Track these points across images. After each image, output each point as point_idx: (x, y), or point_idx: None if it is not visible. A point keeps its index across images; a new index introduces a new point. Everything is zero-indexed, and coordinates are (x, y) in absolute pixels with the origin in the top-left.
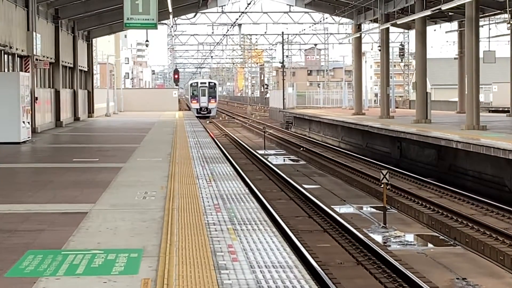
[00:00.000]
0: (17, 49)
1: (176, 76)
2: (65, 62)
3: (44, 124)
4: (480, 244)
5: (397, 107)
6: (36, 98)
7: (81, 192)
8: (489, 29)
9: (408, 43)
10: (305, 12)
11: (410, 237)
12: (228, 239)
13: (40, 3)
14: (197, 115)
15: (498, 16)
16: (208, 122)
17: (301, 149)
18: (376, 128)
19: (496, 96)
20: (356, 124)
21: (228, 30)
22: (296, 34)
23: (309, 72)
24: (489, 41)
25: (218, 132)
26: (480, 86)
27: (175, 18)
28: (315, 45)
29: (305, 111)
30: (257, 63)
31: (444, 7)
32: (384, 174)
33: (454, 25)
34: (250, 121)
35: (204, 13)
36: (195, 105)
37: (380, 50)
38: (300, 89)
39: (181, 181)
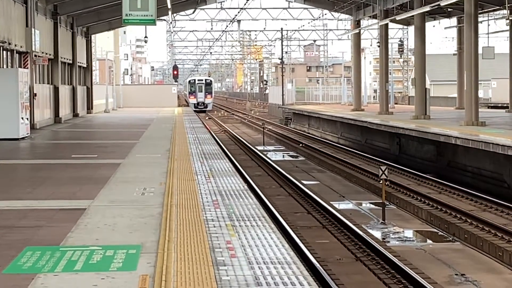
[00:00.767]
0: (16, 45)
1: (175, 72)
2: (64, 58)
3: (43, 120)
4: (479, 240)
5: (396, 103)
6: (35, 94)
7: (80, 188)
8: (488, 25)
9: (407, 39)
10: (304, 8)
11: (409, 233)
12: (227, 235)
13: None
14: (194, 109)
15: (497, 12)
16: (207, 118)
17: (300, 145)
18: (375, 124)
19: (495, 92)
20: (355, 120)
21: (227, 26)
22: (295, 30)
23: (308, 68)
24: (488, 37)
25: (217, 128)
26: (479, 82)
27: (174, 14)
28: (314, 41)
29: (304, 107)
30: (256, 59)
31: (443, 3)
32: (383, 170)
33: (453, 21)
34: (249, 117)
35: (203, 9)
36: (192, 100)
37: (379, 46)
38: (299, 85)
39: (180, 177)
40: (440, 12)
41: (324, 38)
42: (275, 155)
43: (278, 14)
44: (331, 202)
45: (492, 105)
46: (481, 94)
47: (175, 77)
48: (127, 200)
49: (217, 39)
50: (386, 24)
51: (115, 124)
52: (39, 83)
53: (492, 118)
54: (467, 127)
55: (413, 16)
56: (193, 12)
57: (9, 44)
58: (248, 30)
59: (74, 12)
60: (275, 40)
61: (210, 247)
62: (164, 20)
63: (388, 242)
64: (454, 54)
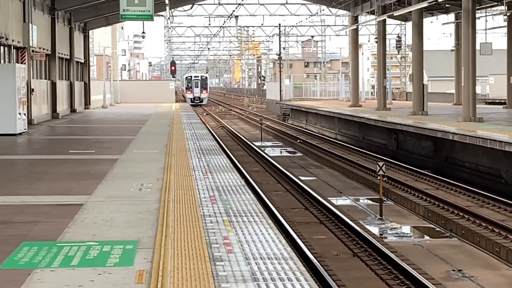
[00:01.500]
0: (13, 40)
1: (173, 68)
2: (62, 54)
3: (40, 116)
4: (476, 236)
5: (394, 99)
6: (33, 90)
7: (77, 183)
8: (486, 21)
9: (405, 35)
10: (302, 4)
11: (406, 229)
12: (224, 231)
13: None
14: (191, 103)
15: (495, 8)
16: (205, 114)
17: (298, 141)
18: (373, 120)
19: (492, 88)
20: (353, 116)
21: (225, 22)
22: (293, 26)
23: (306, 64)
24: (485, 33)
25: (215, 124)
26: (477, 78)
27: (172, 10)
28: (312, 37)
29: (302, 103)
30: (254, 55)
31: None
32: (381, 166)
33: (451, 17)
34: (247, 113)
35: (201, 4)
36: (189, 95)
37: (377, 42)
38: (297, 81)
39: (177, 172)
40: (438, 8)
41: (322, 34)
42: (273, 151)
43: (276, 10)
44: (328, 198)
45: (489, 101)
46: (478, 90)
47: (173, 72)
48: (124, 195)
49: (214, 34)
50: (384, 20)
51: (112, 120)
52: (37, 78)
53: (489, 114)
54: (464, 123)
55: (410, 12)
56: (191, 8)
57: (6, 39)
58: (246, 26)
59: (71, 7)
60: (273, 36)
61: (207, 242)
62: (162, 15)
63: (386, 238)
64: (451, 50)
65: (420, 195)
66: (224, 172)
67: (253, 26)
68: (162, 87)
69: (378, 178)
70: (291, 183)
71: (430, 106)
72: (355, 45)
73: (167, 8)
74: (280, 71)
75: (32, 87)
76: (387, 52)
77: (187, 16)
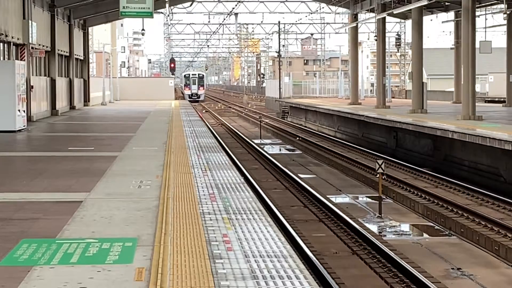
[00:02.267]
0: (12, 37)
1: (172, 65)
2: (61, 51)
3: (39, 113)
4: (475, 234)
5: (393, 97)
6: (32, 87)
7: (76, 181)
8: (486, 19)
9: (405, 33)
10: (302, 2)
11: (405, 227)
12: (223, 228)
13: None
14: (189, 99)
15: (495, 6)
16: (204, 111)
17: (297, 138)
18: (372, 118)
19: (492, 86)
20: (352, 114)
21: (224, 19)
22: (293, 24)
23: (305, 61)
24: (485, 31)
25: (214, 121)
26: (476, 76)
27: (171, 7)
28: (312, 34)
29: (301, 100)
30: (253, 53)
31: None
32: (380, 164)
33: (451, 15)
34: (246, 110)
35: (201, 2)
36: (187, 92)
37: (376, 40)
38: (297, 79)
39: (177, 170)
40: (438, 6)
41: (322, 31)
42: (272, 148)
43: (276, 8)
44: (327, 196)
45: (489, 99)
46: (478, 88)
47: (172, 70)
48: (123, 193)
49: (214, 32)
50: (384, 18)
51: (111, 117)
52: (36, 75)
53: (489, 112)
54: (464, 121)
55: (410, 10)
56: (190, 5)
57: (6, 36)
58: (246, 23)
59: (71, 4)
60: (272, 33)
61: (207, 240)
62: (161, 13)
63: (385, 236)
64: (451, 48)
65: (419, 193)
66: (224, 169)
67: (253, 24)
68: (162, 85)
69: (377, 176)
70: (290, 181)
71: (429, 104)
72: (355, 43)
73: (167, 5)
74: (279, 69)
75: (31, 84)
76: (386, 50)
77: (187, 13)
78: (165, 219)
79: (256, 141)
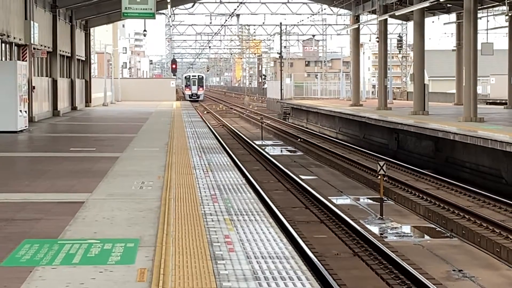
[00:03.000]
0: (14, 38)
1: (173, 66)
2: (63, 51)
3: (41, 113)
4: (476, 236)
5: (394, 99)
6: (34, 87)
7: (78, 181)
8: (487, 21)
9: (406, 34)
10: (304, 3)
11: (406, 229)
12: (225, 229)
13: None
14: (189, 99)
15: (497, 8)
16: (205, 112)
17: (299, 140)
18: (373, 119)
19: (493, 88)
20: (354, 115)
21: (226, 20)
22: (294, 25)
23: (307, 63)
24: (487, 33)
25: (216, 122)
26: (478, 78)
27: (173, 8)
28: (313, 36)
29: (302, 102)
30: (255, 54)
31: None
32: (381, 165)
33: (452, 16)
34: (247, 111)
35: (202, 3)
36: (188, 92)
37: (378, 42)
38: (298, 80)
39: (178, 171)
40: (440, 8)
41: (323, 33)
42: (273, 149)
43: (277, 9)
44: (329, 197)
45: (490, 101)
46: (479, 90)
47: (174, 71)
48: (125, 193)
49: (216, 33)
50: (385, 20)
51: (113, 118)
52: (38, 76)
53: (490, 114)
54: (465, 123)
55: (412, 11)
56: (192, 6)
57: (8, 36)
58: (247, 24)
59: (73, 5)
60: (274, 35)
61: (208, 241)
62: (163, 13)
63: (386, 237)
64: (453, 50)
65: (420, 195)
66: (225, 170)
67: (254, 25)
68: (163, 85)
69: (379, 177)
70: (291, 182)
71: (431, 106)
72: (356, 45)
73: (169, 6)
74: (281, 70)
75: (33, 85)
76: (388, 52)
77: (189, 14)
78: (167, 220)
79: (257, 142)
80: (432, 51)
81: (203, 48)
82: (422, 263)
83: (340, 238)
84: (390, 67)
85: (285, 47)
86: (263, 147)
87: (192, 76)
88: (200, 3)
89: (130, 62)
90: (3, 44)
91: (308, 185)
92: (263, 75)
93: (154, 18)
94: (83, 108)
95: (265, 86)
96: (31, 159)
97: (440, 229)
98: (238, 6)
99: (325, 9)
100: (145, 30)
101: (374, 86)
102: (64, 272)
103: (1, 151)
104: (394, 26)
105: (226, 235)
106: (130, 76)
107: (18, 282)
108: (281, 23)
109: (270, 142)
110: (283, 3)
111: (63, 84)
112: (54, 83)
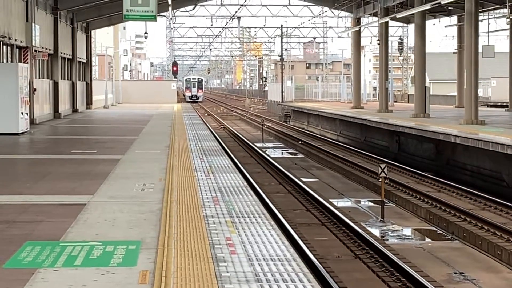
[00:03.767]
0: (16, 40)
1: (174, 69)
2: (64, 54)
3: (42, 116)
4: (478, 238)
5: (395, 101)
6: (35, 89)
7: (80, 183)
8: (488, 23)
9: (407, 37)
10: (305, 5)
11: (407, 231)
12: (227, 231)
13: None
14: (189, 100)
15: (498, 11)
16: (206, 115)
17: (300, 142)
18: (374, 122)
19: (494, 90)
20: (355, 118)
21: (227, 22)
22: (295, 27)
23: (307, 65)
24: (488, 36)
25: (216, 124)
26: (479, 81)
27: (174, 10)
28: (314, 38)
29: (303, 104)
30: (255, 56)
31: (444, 1)
32: (382, 168)
33: (454, 19)
34: (248, 114)
35: (204, 5)
36: (188, 94)
37: (379, 44)
38: (299, 82)
39: (180, 173)
40: (441, 10)
41: (324, 35)
42: (274, 152)
43: (278, 11)
44: (330, 200)
45: (491, 103)
46: (480, 92)
47: (175, 73)
48: (126, 195)
49: (216, 35)
50: (386, 22)
51: (114, 120)
52: (39, 78)
53: (491, 116)
54: (466, 125)
55: (413, 14)
56: (193, 8)
57: (9, 39)
58: (248, 27)
59: (74, 7)
60: (275, 37)
61: (210, 243)
62: (164, 16)
63: (387, 240)
64: (454, 53)
65: (421, 198)
66: (226, 173)
67: (255, 27)
68: (164, 88)
69: (380, 180)
70: (292, 185)
71: (432, 109)
72: (357, 47)
73: (170, 8)
74: (281, 72)
75: (34, 87)
76: (389, 54)
77: (190, 16)
78: (169, 222)
79: (258, 144)
80: (433, 53)
81: (204, 51)
82: (423, 266)
83: (341, 241)
84: (391, 69)
85: (286, 49)
86: (264, 150)
87: (192, 79)
88: (201, 5)
89: (131, 65)
90: (4, 46)
91: (309, 187)
92: (264, 77)
93: (156, 21)
94: (84, 111)
95: (266, 88)
96: (33, 161)
97: (441, 232)
98: (239, 9)
99: (326, 11)
100: (146, 33)
101: (375, 89)
102: (66, 274)
103: (2, 153)
104: (395, 29)
105: (228, 237)
106: (131, 78)
107: (20, 284)
108: (282, 26)
109: (271, 145)
110: (284, 5)
111: (64, 86)
112: (55, 85)
